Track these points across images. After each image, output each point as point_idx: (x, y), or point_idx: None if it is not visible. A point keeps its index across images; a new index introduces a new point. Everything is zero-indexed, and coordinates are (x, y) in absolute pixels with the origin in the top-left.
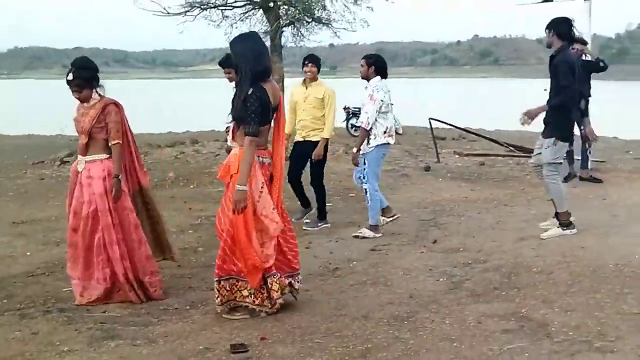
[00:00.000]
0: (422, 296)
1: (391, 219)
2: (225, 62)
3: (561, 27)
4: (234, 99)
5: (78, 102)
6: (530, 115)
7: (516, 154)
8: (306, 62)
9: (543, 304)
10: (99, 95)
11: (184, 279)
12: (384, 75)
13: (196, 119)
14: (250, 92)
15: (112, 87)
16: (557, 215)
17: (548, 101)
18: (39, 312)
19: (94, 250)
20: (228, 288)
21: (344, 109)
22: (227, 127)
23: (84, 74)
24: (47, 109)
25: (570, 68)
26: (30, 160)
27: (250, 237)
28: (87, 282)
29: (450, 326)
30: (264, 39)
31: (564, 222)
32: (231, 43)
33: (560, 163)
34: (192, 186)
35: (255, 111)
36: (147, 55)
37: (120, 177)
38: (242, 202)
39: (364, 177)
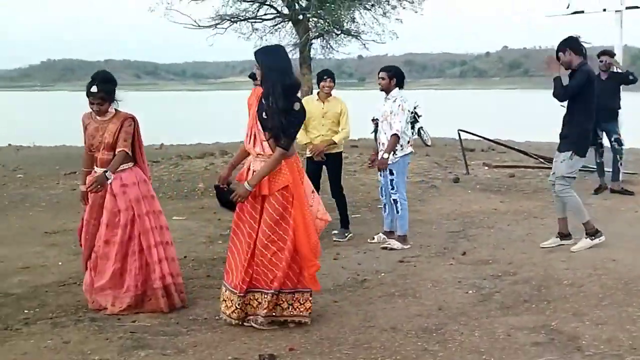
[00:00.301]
0: (450, 308)
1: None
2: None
3: (573, 43)
4: (265, 111)
5: (85, 115)
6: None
7: (546, 166)
8: (325, 77)
9: (574, 316)
10: (114, 109)
11: (212, 289)
12: (402, 87)
13: (225, 130)
14: (299, 107)
15: (142, 98)
16: (584, 225)
17: (569, 120)
18: (70, 321)
19: (128, 258)
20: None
21: (372, 120)
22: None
23: (108, 87)
24: (79, 120)
25: (589, 79)
26: (63, 170)
27: (312, 245)
28: (118, 291)
29: (479, 339)
30: (293, 52)
31: (591, 231)
32: (259, 53)
33: (574, 177)
34: None
35: (297, 127)
36: (177, 67)
37: (108, 173)
38: (243, 198)
39: (392, 188)
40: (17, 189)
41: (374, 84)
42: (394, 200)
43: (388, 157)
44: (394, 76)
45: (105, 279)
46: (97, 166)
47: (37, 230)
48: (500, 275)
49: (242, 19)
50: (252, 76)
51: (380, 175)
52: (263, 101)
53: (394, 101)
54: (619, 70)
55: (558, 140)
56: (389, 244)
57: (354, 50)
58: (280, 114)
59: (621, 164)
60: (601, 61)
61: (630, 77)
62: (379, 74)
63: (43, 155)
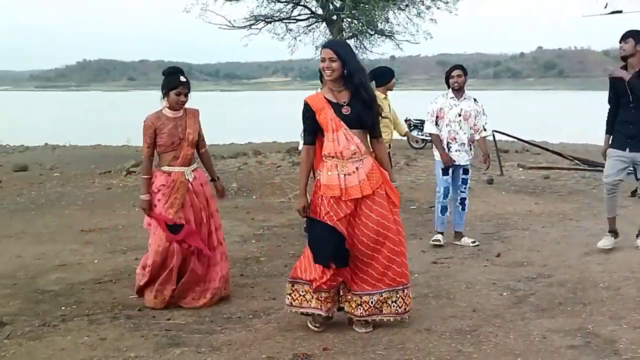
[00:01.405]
0: (485, 310)
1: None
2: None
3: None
4: (353, 106)
5: (150, 118)
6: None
7: (581, 168)
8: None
9: (610, 320)
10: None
11: (246, 288)
12: None
13: (258, 131)
14: (374, 94)
15: None
16: None
17: (637, 116)
18: (106, 318)
19: (216, 251)
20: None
21: (406, 120)
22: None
23: (189, 81)
24: (114, 120)
25: None
26: (98, 170)
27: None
28: (205, 284)
29: (514, 341)
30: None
31: None
32: (338, 47)
33: None
34: (254, 197)
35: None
36: (211, 68)
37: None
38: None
39: (466, 186)
40: (53, 187)
41: (408, 84)
42: (463, 198)
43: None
44: (466, 74)
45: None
46: (175, 166)
47: (73, 229)
48: (535, 277)
49: (277, 19)
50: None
51: (446, 175)
52: (335, 99)
53: (475, 101)
54: None
55: (593, 143)
56: (471, 241)
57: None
58: (376, 104)
59: None
60: None
61: None
62: (452, 72)
63: (79, 154)
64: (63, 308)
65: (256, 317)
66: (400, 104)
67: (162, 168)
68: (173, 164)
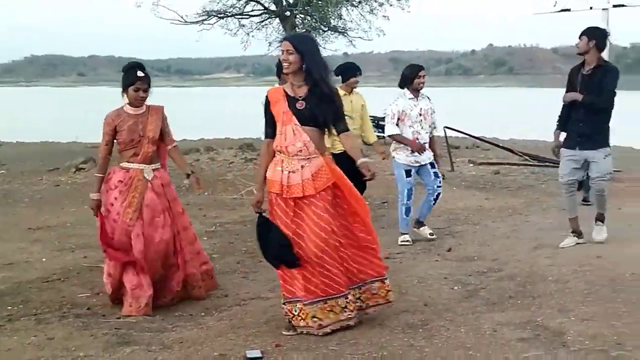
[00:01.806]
0: (436, 304)
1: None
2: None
3: (601, 39)
4: (309, 101)
5: (111, 114)
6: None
7: (531, 163)
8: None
9: (559, 312)
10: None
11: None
12: None
13: (211, 127)
14: (335, 89)
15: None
16: (601, 215)
17: (596, 118)
18: (54, 318)
19: (177, 255)
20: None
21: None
22: None
23: (149, 76)
24: (63, 116)
25: (617, 79)
26: (46, 167)
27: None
28: (163, 289)
29: (465, 334)
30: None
31: (603, 219)
32: (295, 40)
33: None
34: (206, 193)
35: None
36: (162, 64)
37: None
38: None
39: (440, 180)
40: (0, 184)
41: (361, 81)
42: (439, 194)
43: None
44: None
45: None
46: (134, 163)
47: (20, 226)
48: (486, 271)
49: (229, 14)
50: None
51: (407, 176)
52: (292, 94)
53: (429, 99)
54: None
55: (542, 139)
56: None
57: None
58: (334, 100)
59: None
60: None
61: None
62: (419, 72)
63: (26, 151)
64: (9, 308)
65: (208, 315)
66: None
67: (120, 164)
68: (132, 161)
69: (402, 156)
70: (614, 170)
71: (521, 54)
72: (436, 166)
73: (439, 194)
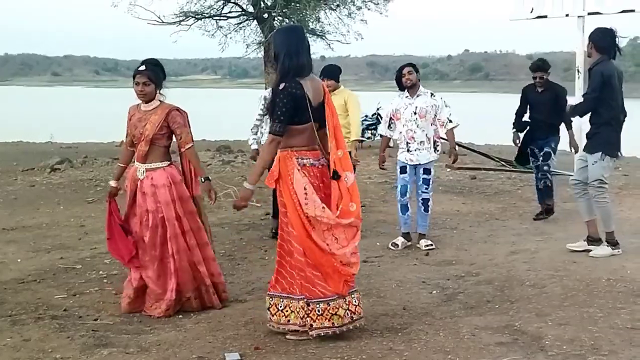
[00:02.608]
0: (415, 308)
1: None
2: None
3: (600, 40)
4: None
5: (132, 106)
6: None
7: (507, 169)
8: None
9: (537, 317)
10: (159, 100)
11: None
12: None
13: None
14: (282, 87)
15: (102, 94)
16: (609, 235)
17: (595, 120)
18: (30, 319)
19: (165, 261)
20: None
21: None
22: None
23: (155, 70)
24: (37, 116)
25: (604, 80)
26: (20, 167)
27: (317, 244)
28: (159, 294)
29: (444, 338)
30: (258, 50)
31: (612, 241)
32: (274, 34)
33: (607, 182)
34: None
35: (284, 107)
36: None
37: (210, 178)
38: (244, 201)
39: (427, 187)
40: None
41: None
42: (425, 199)
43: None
44: (418, 71)
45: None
46: (136, 161)
47: None
48: (464, 275)
49: (207, 16)
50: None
51: (403, 174)
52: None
53: (432, 96)
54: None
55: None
56: (425, 245)
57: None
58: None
59: (546, 185)
60: (534, 77)
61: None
62: (403, 70)
63: (0, 151)
64: None
65: (186, 317)
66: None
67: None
68: (136, 160)
69: (399, 154)
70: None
71: (497, 59)
72: (431, 172)
73: (425, 199)
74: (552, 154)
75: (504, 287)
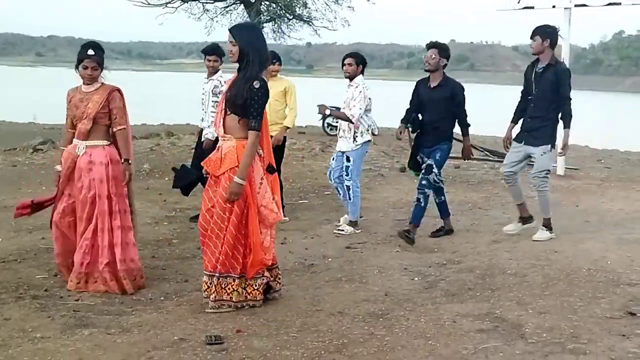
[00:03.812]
0: (397, 294)
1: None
2: (213, 50)
3: (555, 37)
4: (231, 88)
5: (70, 89)
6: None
7: (491, 159)
8: (273, 61)
9: (517, 305)
10: (101, 82)
11: (158, 270)
12: (363, 74)
13: (171, 112)
14: (258, 86)
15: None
16: (546, 221)
17: (543, 115)
18: (11, 299)
19: (83, 236)
20: (223, 286)
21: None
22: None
23: (101, 54)
24: (20, 96)
25: (570, 80)
26: (3, 147)
27: (257, 231)
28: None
29: (425, 324)
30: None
31: (549, 225)
32: (236, 30)
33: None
34: (167, 178)
35: (261, 106)
36: (123, 47)
37: (130, 161)
38: (237, 195)
39: (347, 174)
40: None
41: (323, 71)
42: (347, 186)
43: (327, 109)
44: (360, 63)
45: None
46: (76, 139)
47: None
48: (446, 263)
49: None
50: (209, 51)
51: (333, 159)
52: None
53: (356, 87)
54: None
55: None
56: (342, 229)
57: (305, 37)
58: (244, 92)
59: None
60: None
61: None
62: (344, 60)
63: None
64: None
65: (168, 299)
66: (315, 90)
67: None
68: (76, 137)
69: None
70: (571, 168)
71: (482, 50)
72: (350, 159)
73: (347, 187)
74: (435, 168)
75: (485, 275)
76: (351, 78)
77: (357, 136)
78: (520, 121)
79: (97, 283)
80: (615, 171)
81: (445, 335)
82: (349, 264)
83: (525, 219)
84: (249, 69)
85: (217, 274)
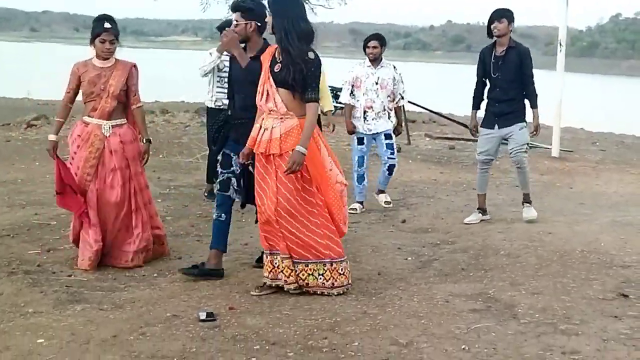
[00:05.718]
0: (390, 274)
1: None
2: (229, 25)
3: (513, 22)
4: (280, 63)
5: (79, 64)
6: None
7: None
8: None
9: (510, 286)
10: (115, 57)
11: None
12: None
13: (166, 90)
14: (313, 56)
15: (80, 53)
16: (527, 197)
17: (513, 97)
18: (3, 274)
19: (133, 215)
20: (340, 271)
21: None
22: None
23: (117, 27)
24: (14, 71)
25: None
26: None
27: (341, 209)
28: (125, 246)
29: (418, 304)
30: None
31: (529, 199)
32: (268, 3)
33: None
34: (161, 156)
35: (318, 77)
36: (118, 23)
37: (151, 140)
38: (299, 165)
39: (392, 152)
40: None
41: (319, 50)
42: (391, 166)
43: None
44: (384, 45)
45: (109, 236)
46: (93, 117)
47: None
48: (439, 243)
49: None
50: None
51: (360, 144)
52: (276, 55)
53: (395, 68)
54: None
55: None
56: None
57: None
58: (299, 64)
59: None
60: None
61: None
62: (368, 42)
63: None
64: None
65: (161, 276)
66: None
67: (83, 118)
68: (92, 115)
69: (355, 124)
70: (566, 150)
71: (479, 32)
72: (392, 137)
73: (391, 165)
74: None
75: (478, 255)
76: (375, 60)
77: (390, 114)
78: (484, 106)
79: (150, 252)
80: (610, 154)
81: (438, 315)
82: (343, 243)
83: (484, 211)
84: (289, 40)
85: (328, 260)
